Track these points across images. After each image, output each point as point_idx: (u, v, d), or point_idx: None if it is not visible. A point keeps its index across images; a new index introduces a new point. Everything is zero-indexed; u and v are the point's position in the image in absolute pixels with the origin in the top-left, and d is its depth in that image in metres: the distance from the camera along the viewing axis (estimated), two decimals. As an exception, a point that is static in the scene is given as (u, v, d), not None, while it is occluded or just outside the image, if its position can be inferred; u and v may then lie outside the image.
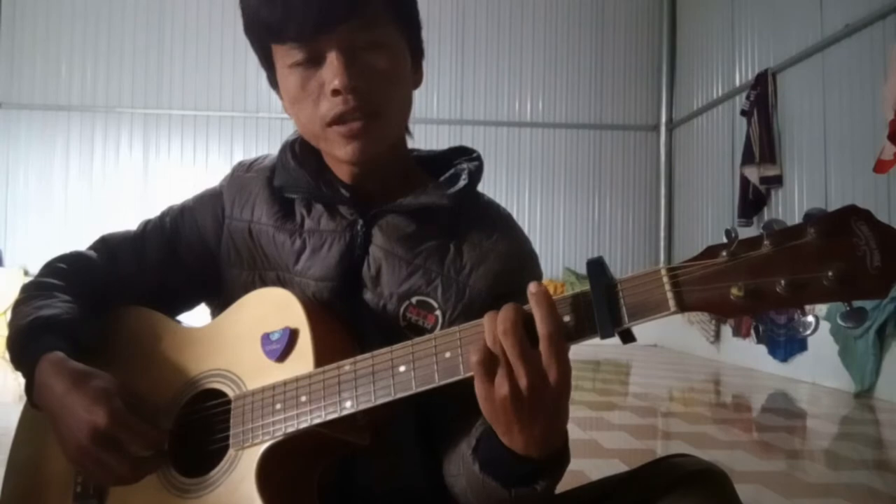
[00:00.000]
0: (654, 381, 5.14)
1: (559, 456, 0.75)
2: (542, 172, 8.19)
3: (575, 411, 3.49)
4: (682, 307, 0.64)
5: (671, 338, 7.10)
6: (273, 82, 0.92)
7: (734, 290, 0.62)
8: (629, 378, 5.44)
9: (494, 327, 0.68)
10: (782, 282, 0.60)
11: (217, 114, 8.03)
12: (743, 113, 6.22)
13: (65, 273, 0.94)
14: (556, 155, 8.25)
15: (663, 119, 8.22)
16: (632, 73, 8.30)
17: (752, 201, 6.02)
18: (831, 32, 5.15)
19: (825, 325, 4.70)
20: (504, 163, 7.96)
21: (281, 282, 0.92)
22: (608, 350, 6.50)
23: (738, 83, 6.65)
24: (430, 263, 0.90)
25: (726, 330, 6.17)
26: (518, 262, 0.94)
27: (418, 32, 0.92)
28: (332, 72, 0.82)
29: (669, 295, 0.64)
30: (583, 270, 8.15)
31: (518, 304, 0.69)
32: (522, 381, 0.67)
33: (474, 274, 0.90)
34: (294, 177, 0.93)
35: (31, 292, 0.92)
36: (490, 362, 0.68)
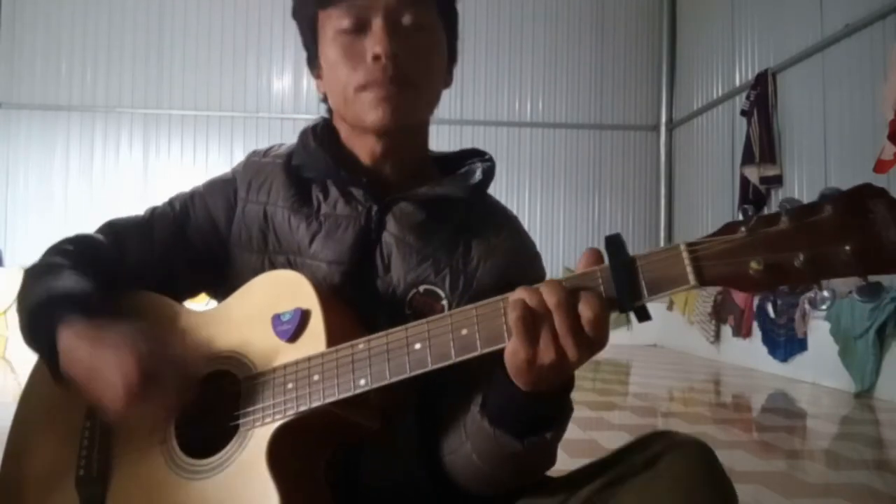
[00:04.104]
0: (654, 381, 5.14)
1: (564, 402, 0.78)
2: (542, 172, 8.19)
3: (575, 411, 3.48)
4: (702, 281, 0.65)
5: (671, 338, 7.10)
6: (312, 63, 0.95)
7: (753, 265, 0.63)
8: (629, 378, 5.44)
9: (539, 295, 0.68)
10: (801, 256, 0.62)
11: (217, 114, 8.03)
12: (743, 113, 6.23)
13: (72, 254, 0.94)
14: (556, 155, 8.26)
15: (663, 119, 8.23)
16: (632, 73, 8.30)
17: (752, 201, 6.03)
18: (831, 32, 5.16)
19: (825, 326, 4.70)
20: (504, 163, 7.94)
21: (291, 265, 0.92)
22: (608, 350, 6.40)
23: (738, 83, 6.65)
24: (440, 254, 0.91)
25: (726, 330, 6.17)
26: (525, 260, 0.96)
27: (455, 39, 0.96)
28: (374, 39, 0.86)
29: (689, 269, 0.65)
30: (583, 270, 8.13)
31: (559, 281, 0.70)
32: (571, 352, 0.68)
33: (482, 267, 0.92)
34: (314, 157, 0.94)
35: (40, 271, 0.91)
36: (531, 322, 0.68)
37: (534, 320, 0.68)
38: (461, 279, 0.91)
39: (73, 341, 0.80)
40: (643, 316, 0.68)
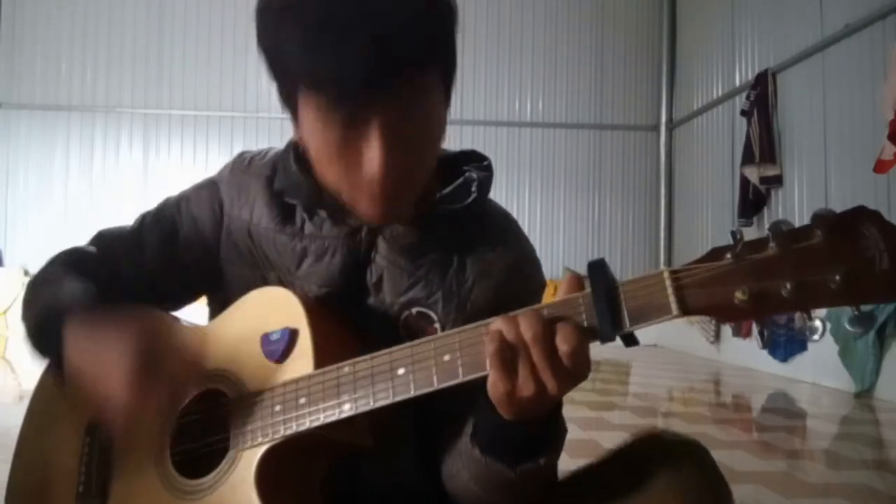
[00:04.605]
0: (654, 381, 5.14)
1: (556, 425, 0.76)
2: (542, 172, 8.19)
3: (575, 411, 3.48)
4: (685, 311, 0.63)
5: (671, 338, 7.10)
6: (288, 106, 0.82)
7: (738, 294, 0.61)
8: (629, 378, 5.43)
9: (516, 327, 0.67)
10: (788, 285, 0.60)
11: (217, 114, 8.03)
12: (743, 113, 6.22)
13: (66, 267, 0.93)
14: (556, 155, 8.25)
15: (663, 119, 8.22)
16: (632, 73, 8.30)
17: (752, 201, 6.02)
18: (831, 32, 5.15)
19: (825, 326, 4.70)
20: (504, 163, 7.95)
21: (282, 283, 0.90)
22: (608, 350, 6.43)
23: (738, 83, 6.65)
24: (432, 275, 0.89)
25: (726, 330, 6.17)
26: (521, 274, 0.93)
27: (454, 67, 0.84)
28: (371, 155, 0.75)
29: (672, 298, 0.63)
30: (583, 270, 8.12)
31: (539, 311, 0.68)
32: (551, 385, 0.67)
33: (476, 288, 0.89)
34: (295, 182, 0.89)
35: (40, 282, 0.91)
36: (508, 356, 0.67)
37: (511, 354, 0.67)
38: (454, 300, 0.88)
39: (77, 340, 0.79)
40: (630, 341, 0.67)
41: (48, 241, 6.73)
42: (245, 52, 7.99)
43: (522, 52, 8.22)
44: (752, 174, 5.92)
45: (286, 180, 0.90)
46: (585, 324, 0.67)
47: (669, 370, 5.67)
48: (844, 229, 0.59)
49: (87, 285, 0.87)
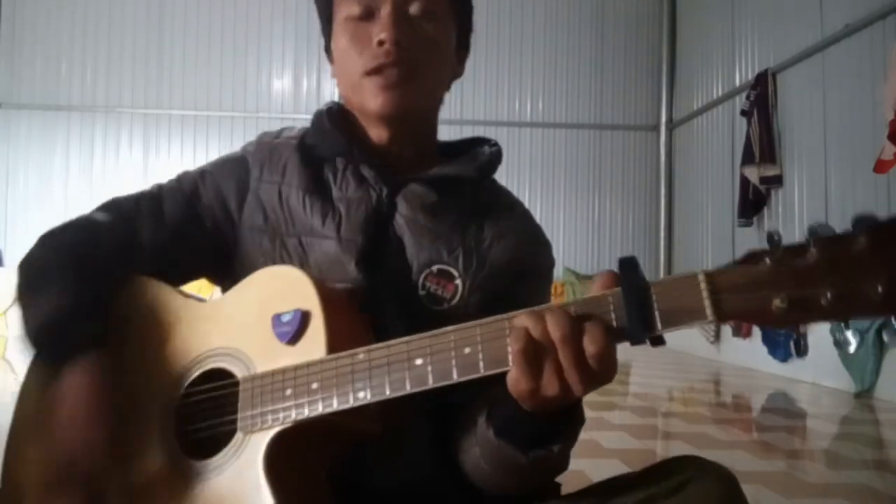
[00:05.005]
0: (654, 381, 5.14)
1: (574, 413, 0.75)
2: (542, 172, 8.19)
3: (575, 411, 3.48)
4: (721, 316, 0.61)
5: (671, 338, 6.97)
6: (328, 48, 0.97)
7: (777, 301, 0.59)
8: (629, 378, 5.43)
9: (543, 325, 0.65)
10: (829, 294, 0.58)
11: (217, 114, 8.03)
12: (743, 113, 6.22)
13: (71, 245, 0.90)
14: (556, 155, 8.25)
15: (663, 119, 8.22)
16: (632, 73, 8.30)
17: (752, 201, 6.03)
18: (831, 32, 5.15)
19: (825, 326, 4.70)
20: (504, 163, 7.78)
21: (303, 246, 0.91)
22: (608, 350, 6.46)
23: (738, 83, 6.65)
24: (453, 234, 0.92)
25: (726, 330, 6.17)
26: (537, 242, 0.98)
27: (468, 30, 1.00)
28: (380, 25, 0.88)
29: (707, 302, 0.61)
30: (583, 270, 8.17)
31: (566, 309, 0.67)
32: (576, 386, 0.66)
33: (495, 247, 0.93)
34: (328, 137, 0.95)
35: (38, 272, 0.89)
36: (534, 354, 0.66)
37: (536, 353, 0.66)
38: (474, 258, 0.91)
39: (71, 386, 0.79)
40: (658, 342, 0.65)
41: (48, 241, 6.72)
42: (245, 52, 8.00)
43: (522, 52, 8.22)
44: (752, 174, 5.92)
45: (319, 136, 0.96)
46: (615, 324, 0.65)
47: (669, 370, 5.67)
48: (889, 238, 0.57)
49: (90, 285, 0.85)
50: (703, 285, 0.61)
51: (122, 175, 7.91)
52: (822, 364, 4.79)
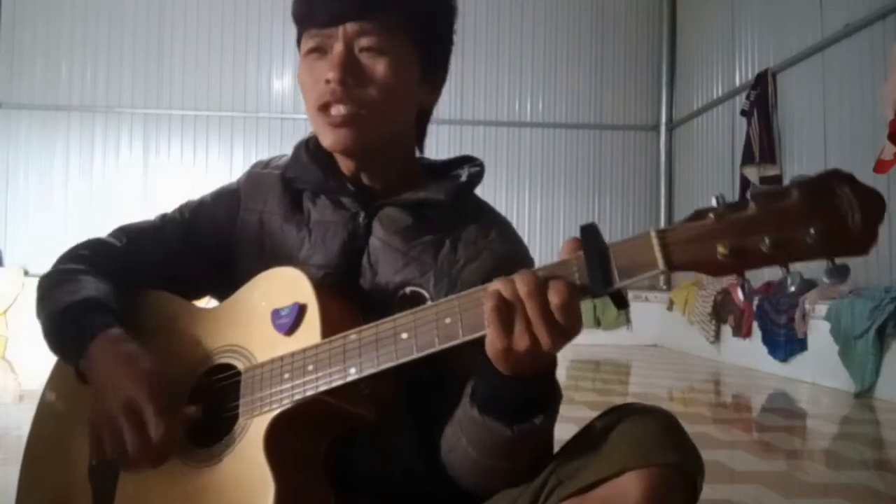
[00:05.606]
0: (654, 381, 5.14)
1: (550, 384, 0.81)
2: (542, 172, 8.19)
3: (575, 411, 3.49)
4: (671, 266, 0.67)
5: (671, 338, 7.10)
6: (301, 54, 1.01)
7: (720, 249, 0.65)
8: (629, 378, 5.44)
9: (512, 284, 0.72)
10: (767, 240, 0.63)
11: (217, 114, 8.03)
12: (743, 113, 6.23)
13: (88, 259, 1.01)
14: (556, 155, 8.25)
15: (663, 119, 8.23)
16: (632, 73, 8.30)
17: (752, 201, 6.03)
18: (831, 32, 5.16)
19: (825, 325, 4.70)
20: (504, 163, 7.96)
21: None
22: (608, 350, 6.49)
23: (738, 83, 6.65)
24: (425, 256, 0.95)
25: (726, 330, 6.17)
26: (511, 262, 0.96)
27: (440, 51, 0.99)
28: (329, 63, 0.91)
29: (658, 254, 0.68)
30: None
31: (535, 271, 0.73)
32: (544, 339, 0.71)
33: (467, 268, 0.95)
34: (306, 170, 1.00)
35: (60, 277, 0.97)
36: (506, 312, 0.72)
37: (508, 310, 0.72)
38: (445, 280, 0.94)
39: (105, 352, 0.87)
40: (621, 303, 0.72)
41: (48, 241, 6.73)
42: (245, 52, 8.00)
43: (522, 52, 8.22)
44: (752, 174, 5.93)
45: (297, 168, 1.02)
46: (578, 282, 0.71)
47: (669, 370, 5.67)
48: (820, 189, 0.63)
49: (104, 285, 0.95)
50: (654, 241, 0.68)
51: (122, 175, 7.91)
52: (822, 364, 4.79)
